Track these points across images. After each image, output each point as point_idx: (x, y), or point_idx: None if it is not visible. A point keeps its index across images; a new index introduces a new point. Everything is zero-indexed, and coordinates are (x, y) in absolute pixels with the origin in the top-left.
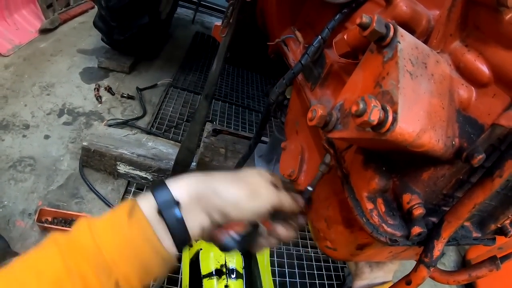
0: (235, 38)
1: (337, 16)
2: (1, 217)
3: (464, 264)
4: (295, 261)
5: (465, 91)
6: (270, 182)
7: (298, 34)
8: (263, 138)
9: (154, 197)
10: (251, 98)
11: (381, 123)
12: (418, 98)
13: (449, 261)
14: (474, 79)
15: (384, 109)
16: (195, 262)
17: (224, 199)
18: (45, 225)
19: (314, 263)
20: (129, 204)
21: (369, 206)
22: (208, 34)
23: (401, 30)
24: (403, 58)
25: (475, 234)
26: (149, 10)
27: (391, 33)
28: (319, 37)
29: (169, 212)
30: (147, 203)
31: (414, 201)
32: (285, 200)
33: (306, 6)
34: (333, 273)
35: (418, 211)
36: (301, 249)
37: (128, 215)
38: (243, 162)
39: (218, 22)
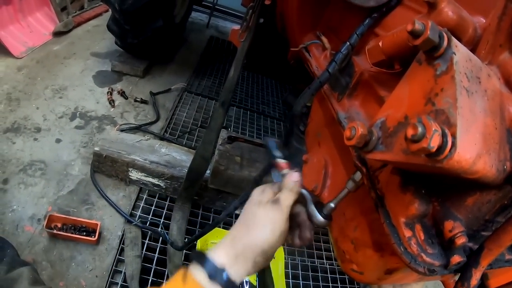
0: (254, 43)
1: (366, 20)
2: (10, 222)
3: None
4: (310, 273)
5: None
6: (271, 202)
7: (325, 39)
8: None
9: (203, 267)
10: (266, 104)
11: (439, 149)
12: (475, 118)
13: None
14: None
15: (443, 132)
16: None
17: (258, 247)
18: (54, 231)
19: (329, 275)
20: (180, 273)
21: (407, 233)
22: (222, 39)
23: (455, 40)
24: (459, 72)
25: (507, 257)
26: (163, 14)
27: (445, 43)
28: (347, 43)
29: (220, 277)
30: (197, 272)
31: (457, 229)
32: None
33: (329, 10)
34: (348, 285)
35: (461, 240)
36: (316, 260)
37: (182, 281)
38: (262, 175)
39: (236, 27)
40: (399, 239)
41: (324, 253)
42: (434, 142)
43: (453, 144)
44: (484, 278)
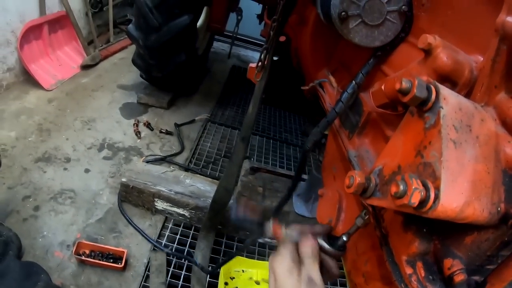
0: (271, 79)
1: (371, 60)
2: (41, 247)
3: None
4: None
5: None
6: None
7: (332, 79)
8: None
9: None
10: (288, 132)
11: (423, 202)
12: (463, 168)
13: None
14: None
15: (425, 186)
16: None
17: None
18: (83, 258)
19: None
20: None
21: (408, 270)
22: (244, 67)
23: (443, 92)
24: (446, 125)
25: None
26: (186, 48)
27: (433, 97)
28: (353, 82)
29: None
30: None
31: (455, 267)
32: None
33: (341, 45)
34: None
35: (459, 278)
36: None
37: None
38: (282, 204)
39: (253, 64)
40: (401, 276)
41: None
42: (414, 199)
43: (437, 197)
44: None
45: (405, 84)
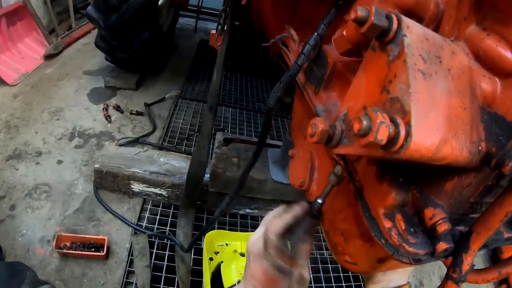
0: (234, 45)
1: (332, 9)
2: (21, 246)
3: (495, 253)
4: (320, 265)
5: (488, 84)
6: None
7: (293, 32)
8: (276, 143)
9: None
10: (261, 101)
11: (392, 140)
12: (435, 101)
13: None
14: (497, 68)
15: (394, 122)
16: (216, 276)
17: None
18: (64, 250)
19: (339, 266)
20: None
21: (387, 224)
22: None
23: (406, 21)
24: (412, 54)
25: (506, 235)
26: (149, 25)
27: (395, 26)
28: (315, 34)
29: None
30: None
31: (437, 216)
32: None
33: (303, 3)
34: (360, 275)
35: (443, 228)
36: (324, 252)
37: None
38: (247, 171)
39: (214, 31)
40: (380, 231)
41: None
42: (381, 135)
43: (408, 133)
44: (498, 252)
45: (361, 13)
